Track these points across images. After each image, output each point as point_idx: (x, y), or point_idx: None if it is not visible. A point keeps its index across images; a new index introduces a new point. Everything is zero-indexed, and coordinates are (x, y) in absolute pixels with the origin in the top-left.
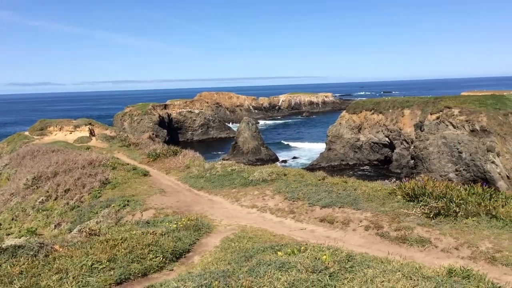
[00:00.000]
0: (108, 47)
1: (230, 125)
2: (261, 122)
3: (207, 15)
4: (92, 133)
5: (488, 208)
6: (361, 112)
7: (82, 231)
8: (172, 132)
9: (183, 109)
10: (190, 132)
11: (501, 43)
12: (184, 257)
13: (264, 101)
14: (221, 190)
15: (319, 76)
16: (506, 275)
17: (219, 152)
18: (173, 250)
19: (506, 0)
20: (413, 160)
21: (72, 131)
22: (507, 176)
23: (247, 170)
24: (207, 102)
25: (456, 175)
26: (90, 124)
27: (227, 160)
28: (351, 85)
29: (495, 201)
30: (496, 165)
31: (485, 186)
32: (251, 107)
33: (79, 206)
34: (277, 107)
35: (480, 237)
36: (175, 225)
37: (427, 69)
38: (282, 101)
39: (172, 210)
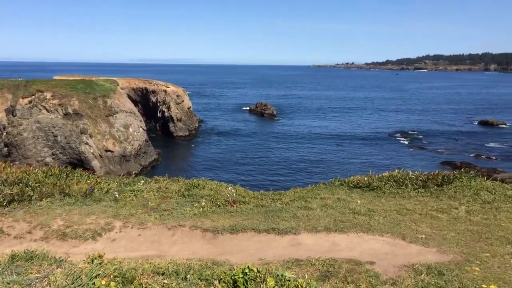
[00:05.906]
0: None
1: None
2: None
3: None
4: None
5: (62, 187)
6: None
7: None
8: None
9: None
10: None
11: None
12: None
13: None
14: None
15: None
16: (75, 247)
17: None
18: None
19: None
20: (6, 148)
21: None
22: (100, 155)
23: None
24: None
25: (53, 159)
26: None
27: None
28: None
29: (71, 179)
30: (90, 146)
31: (62, 166)
32: None
33: None
34: None
35: (53, 216)
36: None
37: (19, 51)
38: None
39: None
